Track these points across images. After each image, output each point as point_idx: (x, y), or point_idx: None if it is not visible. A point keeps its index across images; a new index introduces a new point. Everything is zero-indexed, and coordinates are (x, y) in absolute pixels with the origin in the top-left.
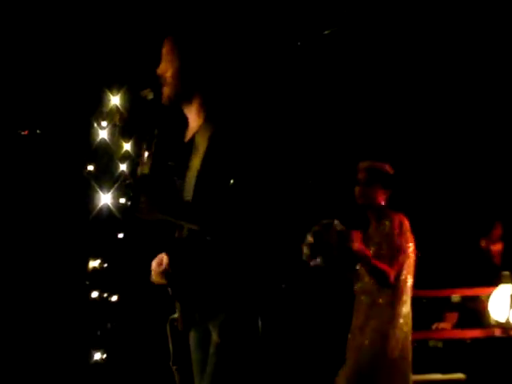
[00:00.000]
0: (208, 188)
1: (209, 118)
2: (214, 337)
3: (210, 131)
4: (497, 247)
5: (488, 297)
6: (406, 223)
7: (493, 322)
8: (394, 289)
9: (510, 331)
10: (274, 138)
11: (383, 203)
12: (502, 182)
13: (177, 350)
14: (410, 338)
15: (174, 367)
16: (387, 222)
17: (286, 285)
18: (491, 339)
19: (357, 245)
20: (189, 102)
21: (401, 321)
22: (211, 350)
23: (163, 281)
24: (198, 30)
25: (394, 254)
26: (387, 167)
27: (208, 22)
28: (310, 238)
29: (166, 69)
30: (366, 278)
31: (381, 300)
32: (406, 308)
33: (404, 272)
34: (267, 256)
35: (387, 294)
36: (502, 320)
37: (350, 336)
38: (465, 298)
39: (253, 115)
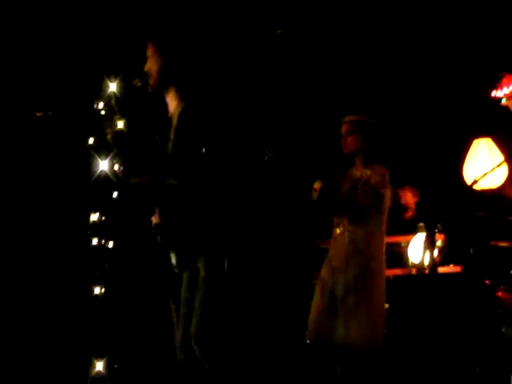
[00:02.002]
0: (178, 150)
1: (181, 101)
2: (202, 273)
3: (180, 111)
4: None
5: (407, 243)
6: (387, 175)
7: (410, 264)
8: (370, 231)
9: (423, 270)
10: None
11: (366, 151)
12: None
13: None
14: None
15: (173, 305)
16: (372, 173)
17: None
18: (409, 276)
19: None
20: (167, 90)
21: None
22: (199, 284)
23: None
24: (174, 33)
25: (378, 201)
26: (366, 118)
27: (182, 24)
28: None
29: (151, 66)
30: (350, 227)
31: (359, 240)
32: (382, 249)
33: (382, 217)
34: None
35: (366, 235)
36: (418, 261)
37: (325, 276)
38: (388, 244)
39: (213, 97)
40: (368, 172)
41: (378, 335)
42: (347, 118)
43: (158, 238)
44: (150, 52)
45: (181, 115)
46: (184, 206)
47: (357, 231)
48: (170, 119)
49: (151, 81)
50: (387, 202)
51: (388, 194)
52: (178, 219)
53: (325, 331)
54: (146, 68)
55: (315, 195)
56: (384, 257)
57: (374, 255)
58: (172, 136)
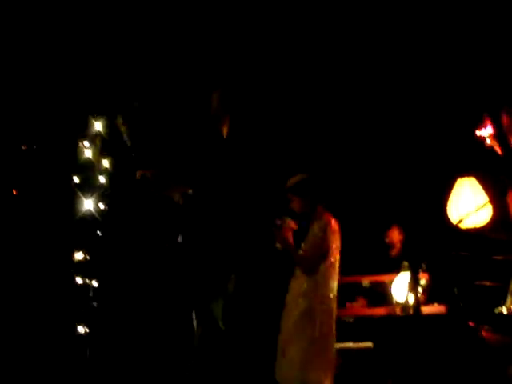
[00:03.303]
0: None
1: None
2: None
3: None
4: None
5: (391, 282)
6: (334, 224)
7: (394, 302)
8: (314, 277)
9: (407, 309)
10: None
11: (311, 208)
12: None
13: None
14: (333, 317)
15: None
16: (316, 224)
17: None
18: (393, 316)
19: (283, 231)
20: None
21: (323, 303)
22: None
23: None
24: None
25: (315, 250)
26: (299, 178)
27: None
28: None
29: None
30: (297, 268)
31: (306, 285)
32: (328, 291)
33: (325, 266)
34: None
35: (313, 280)
36: (402, 301)
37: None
38: (373, 283)
39: None
40: (314, 222)
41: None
42: (286, 185)
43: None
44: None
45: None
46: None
47: (301, 277)
48: None
49: None
50: (333, 251)
51: (330, 239)
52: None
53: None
54: None
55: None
56: (328, 306)
57: (313, 305)
58: None
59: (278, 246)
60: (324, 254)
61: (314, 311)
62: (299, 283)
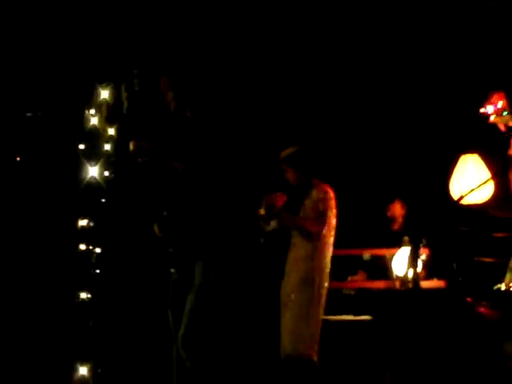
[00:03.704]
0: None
1: None
2: (197, 278)
3: None
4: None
5: (392, 256)
6: (331, 192)
7: (394, 276)
8: (314, 244)
9: (407, 283)
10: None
11: (306, 179)
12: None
13: (174, 297)
14: (324, 287)
15: (171, 314)
16: (314, 192)
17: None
18: (392, 290)
19: (278, 205)
20: None
21: (321, 269)
22: (193, 289)
23: None
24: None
25: (319, 216)
26: (293, 150)
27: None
28: (261, 210)
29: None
30: (295, 237)
31: (305, 251)
32: (324, 262)
33: (325, 232)
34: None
35: (308, 248)
36: (402, 275)
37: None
38: (374, 257)
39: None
40: (311, 191)
41: (307, 344)
42: (280, 156)
43: (158, 230)
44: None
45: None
46: (193, 198)
47: (300, 244)
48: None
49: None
50: (331, 217)
51: (329, 205)
52: (186, 212)
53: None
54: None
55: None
56: (327, 270)
57: (314, 267)
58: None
59: (269, 225)
60: (326, 219)
61: (313, 275)
62: (298, 251)
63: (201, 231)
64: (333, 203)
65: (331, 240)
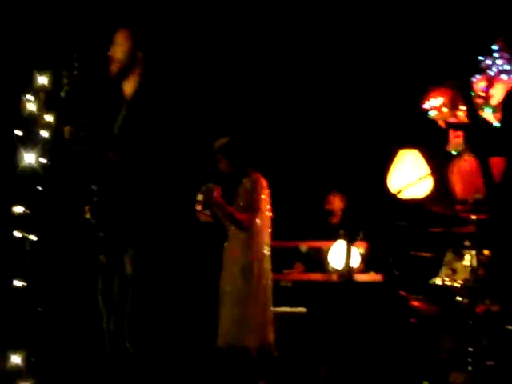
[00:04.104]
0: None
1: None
2: (128, 268)
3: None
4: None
5: (328, 249)
6: (263, 181)
7: (331, 269)
8: (249, 233)
9: (343, 277)
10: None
11: (239, 167)
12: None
13: (104, 283)
14: (264, 276)
15: (100, 298)
16: (246, 181)
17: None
18: (329, 282)
19: (214, 196)
20: (128, 76)
21: (260, 260)
22: (128, 277)
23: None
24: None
25: (249, 205)
26: (226, 140)
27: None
28: (199, 196)
29: (118, 52)
30: (230, 228)
31: (242, 243)
32: (261, 251)
33: (258, 220)
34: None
35: (243, 238)
36: (338, 268)
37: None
38: (311, 249)
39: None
40: (244, 180)
41: (246, 334)
42: (214, 146)
43: (90, 216)
44: (120, 39)
45: (139, 97)
46: (125, 188)
47: (237, 236)
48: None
49: (115, 66)
50: (263, 206)
51: (261, 193)
52: (118, 200)
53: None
54: (113, 53)
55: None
56: (265, 258)
57: (251, 257)
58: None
59: (203, 215)
60: (257, 208)
61: (252, 267)
62: (235, 242)
63: (132, 219)
64: (265, 192)
65: (267, 229)
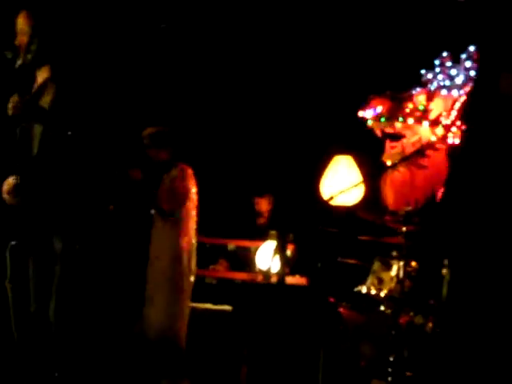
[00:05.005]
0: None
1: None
2: (58, 250)
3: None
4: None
5: (256, 249)
6: (189, 171)
7: (257, 270)
8: (175, 222)
9: (268, 277)
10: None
11: (167, 157)
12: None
13: (14, 270)
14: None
15: (9, 285)
16: (172, 170)
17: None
18: (254, 282)
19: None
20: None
21: (189, 250)
22: (56, 263)
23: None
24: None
25: (172, 194)
26: (156, 129)
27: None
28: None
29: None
30: (156, 216)
31: (169, 233)
32: (191, 237)
33: (184, 210)
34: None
35: (170, 226)
36: (265, 268)
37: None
38: (238, 248)
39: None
40: (171, 169)
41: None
42: (143, 133)
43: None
44: (24, 26)
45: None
46: (52, 172)
47: (163, 226)
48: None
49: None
50: (190, 195)
51: (188, 183)
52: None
53: None
54: (20, 42)
55: None
56: (191, 243)
57: (178, 245)
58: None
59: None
60: (183, 197)
61: (181, 258)
62: (162, 232)
63: (59, 204)
64: (191, 181)
65: (192, 217)
